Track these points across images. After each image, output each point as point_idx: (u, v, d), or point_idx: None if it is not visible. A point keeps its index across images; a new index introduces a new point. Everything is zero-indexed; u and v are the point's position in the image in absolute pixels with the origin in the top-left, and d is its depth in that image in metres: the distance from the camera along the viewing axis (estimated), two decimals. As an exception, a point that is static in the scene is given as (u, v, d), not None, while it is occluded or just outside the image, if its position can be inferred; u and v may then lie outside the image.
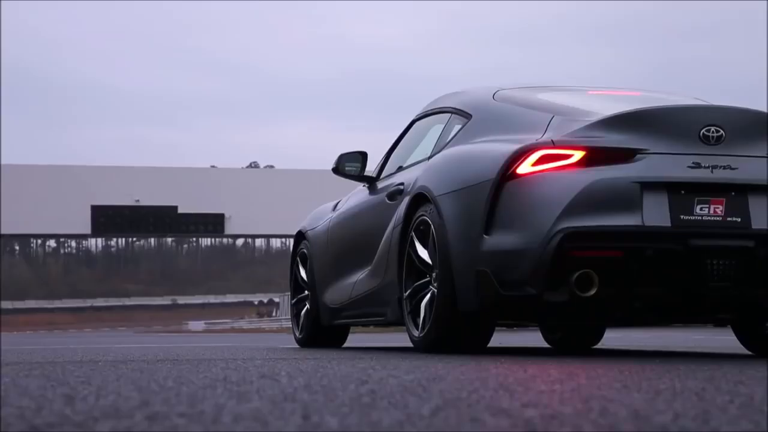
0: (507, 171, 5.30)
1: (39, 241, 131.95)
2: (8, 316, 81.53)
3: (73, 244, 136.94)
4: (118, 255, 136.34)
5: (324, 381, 3.30)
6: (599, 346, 7.91)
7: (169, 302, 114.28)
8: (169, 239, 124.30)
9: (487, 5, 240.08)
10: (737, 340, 6.41)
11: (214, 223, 44.86)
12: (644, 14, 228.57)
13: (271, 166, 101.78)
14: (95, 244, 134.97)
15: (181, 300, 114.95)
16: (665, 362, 4.76)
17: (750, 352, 6.26)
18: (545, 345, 8.08)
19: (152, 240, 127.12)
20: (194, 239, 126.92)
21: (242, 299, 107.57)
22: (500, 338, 12.46)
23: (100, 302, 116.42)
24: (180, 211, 44.06)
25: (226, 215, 44.66)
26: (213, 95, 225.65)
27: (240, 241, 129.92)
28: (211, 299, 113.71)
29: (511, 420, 2.15)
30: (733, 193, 5.27)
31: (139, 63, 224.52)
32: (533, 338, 12.05)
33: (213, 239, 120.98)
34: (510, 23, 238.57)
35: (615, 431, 2.01)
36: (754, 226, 5.26)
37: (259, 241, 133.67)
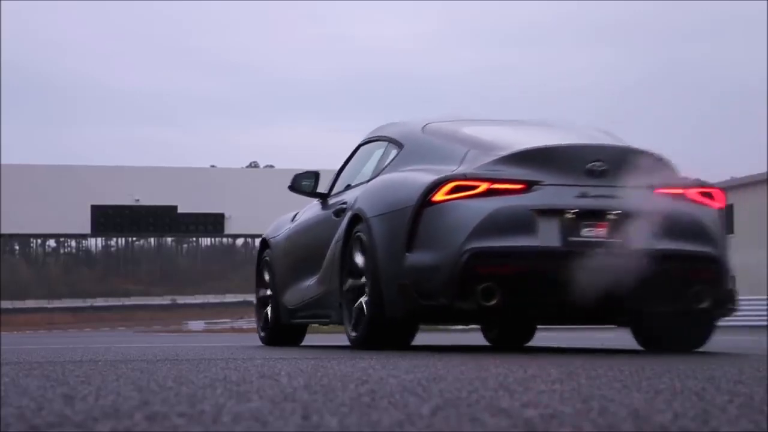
0: (425, 198, 6.24)
1: (39, 241, 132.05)
2: (8, 316, 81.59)
3: (73, 243, 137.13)
4: (118, 255, 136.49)
5: (324, 381, 3.31)
6: (599, 345, 7.96)
7: (168, 302, 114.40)
8: (169, 239, 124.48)
9: (487, 5, 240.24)
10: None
11: (213, 223, 44.79)
12: (644, 14, 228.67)
13: (271, 166, 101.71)
14: (95, 243, 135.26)
15: (181, 300, 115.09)
16: (665, 362, 4.77)
17: (641, 348, 6.91)
18: (484, 344, 8.10)
19: (152, 240, 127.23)
20: (194, 239, 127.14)
21: (242, 299, 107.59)
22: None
23: (99, 302, 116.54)
24: (180, 210, 44.00)
25: (226, 215, 44.60)
26: (213, 95, 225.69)
27: (240, 241, 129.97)
28: (211, 299, 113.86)
29: (511, 420, 2.16)
30: (614, 218, 6.17)
31: (139, 63, 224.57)
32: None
33: (213, 239, 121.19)
34: (510, 23, 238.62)
35: (615, 431, 2.01)
36: (632, 246, 6.09)
37: (258, 241, 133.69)
